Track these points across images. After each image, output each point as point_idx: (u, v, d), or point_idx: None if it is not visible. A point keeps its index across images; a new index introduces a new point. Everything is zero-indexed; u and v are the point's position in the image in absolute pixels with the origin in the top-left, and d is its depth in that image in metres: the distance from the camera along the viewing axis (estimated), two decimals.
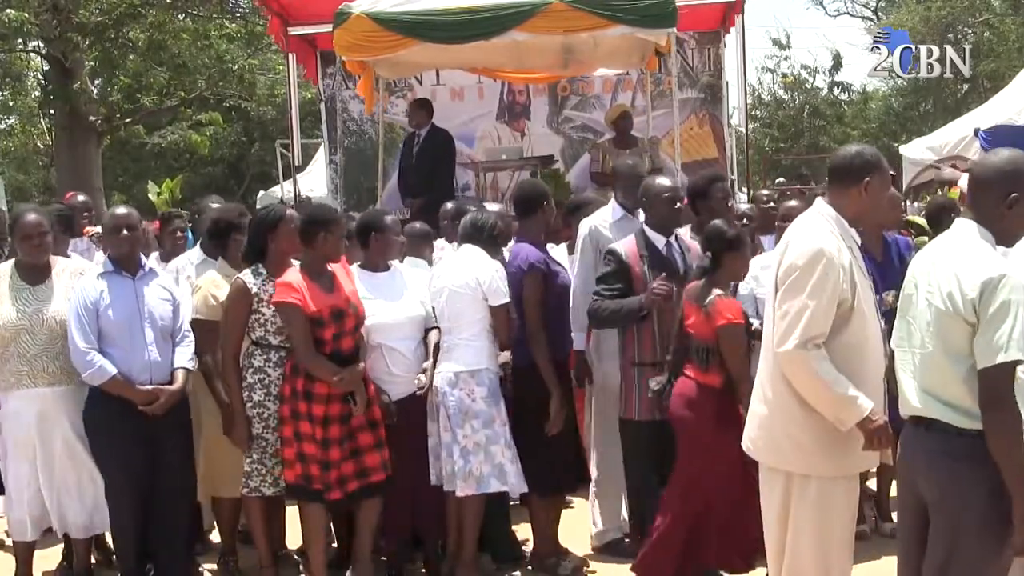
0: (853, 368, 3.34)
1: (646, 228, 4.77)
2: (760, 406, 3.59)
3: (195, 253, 5.64)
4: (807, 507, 3.46)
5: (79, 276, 4.86)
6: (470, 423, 4.63)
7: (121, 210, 4.88)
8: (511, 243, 5.08)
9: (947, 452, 3.03)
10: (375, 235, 4.90)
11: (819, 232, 3.38)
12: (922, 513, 3.15)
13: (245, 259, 4.85)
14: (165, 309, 4.77)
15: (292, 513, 5.02)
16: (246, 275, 4.73)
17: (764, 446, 3.59)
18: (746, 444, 3.69)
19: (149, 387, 4.62)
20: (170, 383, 4.70)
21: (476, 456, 4.61)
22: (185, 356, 4.80)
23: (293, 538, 5.21)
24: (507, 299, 4.66)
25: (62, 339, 4.68)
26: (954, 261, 3.03)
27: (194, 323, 4.89)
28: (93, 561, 5.08)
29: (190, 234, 6.47)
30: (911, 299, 3.16)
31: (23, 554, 4.90)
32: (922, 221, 6.45)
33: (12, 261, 4.89)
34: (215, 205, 5.66)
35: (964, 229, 3.11)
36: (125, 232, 4.71)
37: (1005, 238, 3.12)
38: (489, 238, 4.83)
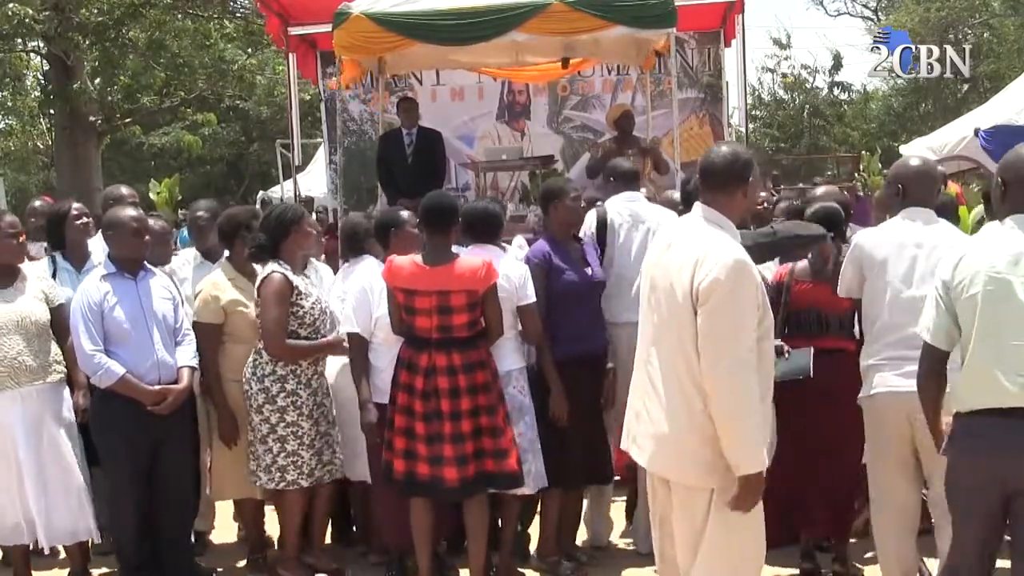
0: (765, 371, 3.33)
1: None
2: (661, 424, 3.36)
3: (192, 254, 5.63)
4: (727, 519, 3.31)
5: (43, 279, 4.90)
6: (523, 420, 4.64)
7: (136, 212, 4.85)
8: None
9: None
10: (395, 231, 4.89)
11: (730, 241, 3.32)
12: (998, 516, 3.17)
13: (253, 257, 4.84)
14: (168, 308, 4.79)
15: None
16: (281, 268, 4.72)
17: (683, 465, 3.35)
18: (650, 465, 3.49)
19: (157, 387, 4.63)
20: (174, 382, 4.70)
21: (529, 453, 4.62)
22: (188, 354, 4.80)
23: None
24: (534, 299, 4.65)
25: (38, 338, 4.70)
26: None
27: (195, 326, 4.90)
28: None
29: (187, 234, 6.45)
30: (1004, 287, 3.12)
31: (20, 558, 4.89)
32: None
33: None
34: (200, 212, 5.61)
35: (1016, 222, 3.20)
36: (146, 237, 4.76)
37: None
38: (496, 229, 4.84)
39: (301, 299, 4.73)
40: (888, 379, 4.02)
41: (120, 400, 4.59)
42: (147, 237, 4.76)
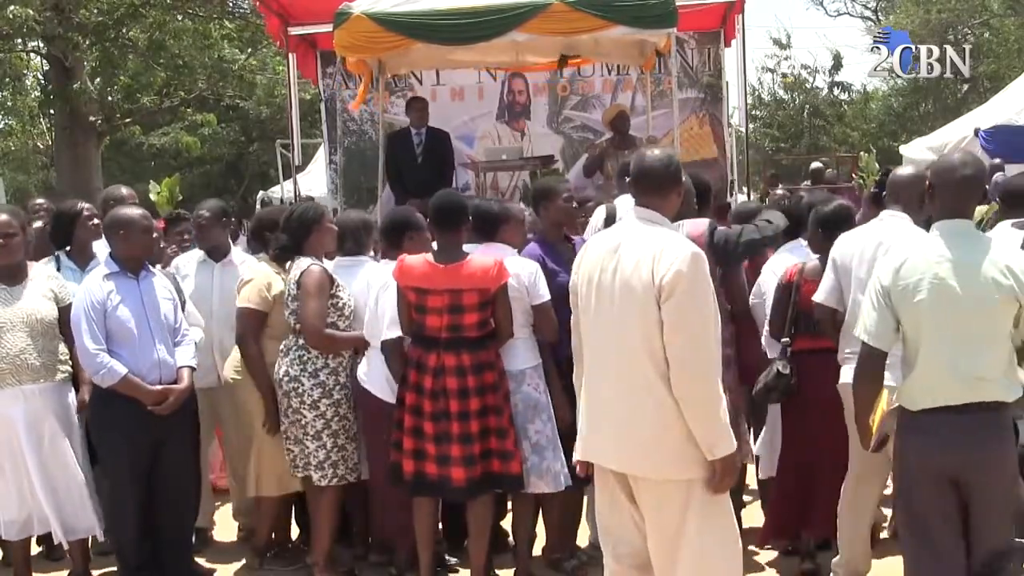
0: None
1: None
2: (629, 422, 3.39)
3: (197, 253, 5.64)
4: (712, 507, 3.38)
5: (54, 278, 4.91)
6: (539, 417, 4.63)
7: (140, 210, 4.87)
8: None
9: (1000, 426, 3.34)
10: (410, 234, 4.90)
11: (681, 237, 3.46)
12: (958, 504, 3.35)
13: (278, 258, 4.87)
14: (168, 308, 4.79)
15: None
16: (319, 262, 4.80)
17: (661, 461, 3.37)
18: (620, 465, 3.48)
19: (159, 387, 4.63)
20: (173, 382, 4.70)
21: (548, 451, 4.61)
22: (188, 355, 4.81)
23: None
24: (548, 297, 4.61)
25: (43, 337, 4.72)
26: (995, 251, 3.36)
27: (244, 312, 4.92)
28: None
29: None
30: (950, 293, 3.31)
31: (19, 553, 4.89)
32: None
33: None
34: (202, 212, 5.62)
35: (960, 226, 3.42)
36: (154, 235, 4.82)
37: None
38: (496, 226, 4.81)
39: (339, 291, 4.80)
40: (848, 373, 4.17)
41: (121, 400, 4.58)
42: (154, 235, 4.81)
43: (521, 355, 4.66)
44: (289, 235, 4.86)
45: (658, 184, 3.49)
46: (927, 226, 4.04)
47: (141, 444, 4.64)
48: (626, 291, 3.37)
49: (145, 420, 4.59)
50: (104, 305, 4.58)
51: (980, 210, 6.44)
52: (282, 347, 4.85)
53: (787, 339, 4.65)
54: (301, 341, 4.77)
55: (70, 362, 4.82)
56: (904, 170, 4.59)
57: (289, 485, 5.01)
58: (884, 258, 3.58)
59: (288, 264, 4.88)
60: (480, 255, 4.56)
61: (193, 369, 4.81)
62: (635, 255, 3.38)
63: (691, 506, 3.36)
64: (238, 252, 5.67)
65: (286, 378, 4.77)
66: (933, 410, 3.34)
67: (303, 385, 4.74)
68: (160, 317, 4.72)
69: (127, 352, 4.59)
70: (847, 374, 4.16)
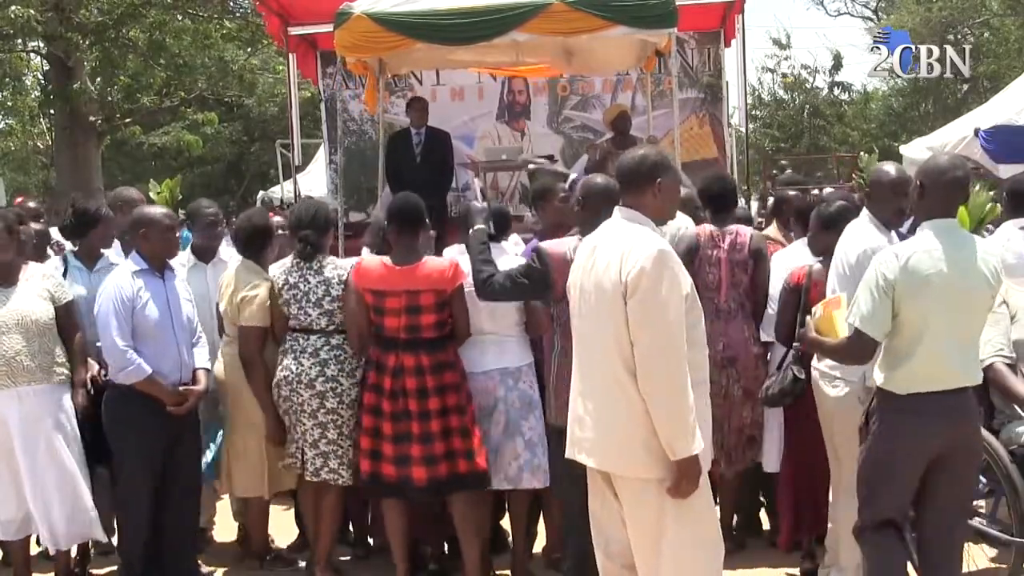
0: (698, 360, 3.41)
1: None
2: (603, 421, 3.42)
3: (186, 256, 5.63)
4: (689, 506, 3.37)
5: (50, 278, 4.88)
6: (533, 414, 4.64)
7: (163, 209, 4.91)
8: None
9: (975, 404, 3.73)
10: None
11: (652, 235, 3.44)
12: (922, 478, 3.65)
13: (307, 258, 4.81)
14: (189, 309, 4.83)
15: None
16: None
17: (633, 459, 3.38)
18: (598, 463, 3.50)
19: (181, 388, 4.66)
20: (189, 382, 4.73)
21: (539, 448, 4.62)
22: (204, 357, 4.83)
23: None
24: None
25: (39, 338, 4.70)
26: (981, 249, 3.62)
27: (251, 331, 4.86)
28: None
29: (188, 234, 6.47)
30: (952, 290, 3.52)
31: (19, 553, 4.88)
32: None
33: None
34: (212, 209, 5.63)
35: (949, 224, 3.61)
36: (177, 234, 4.87)
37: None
38: (496, 228, 4.80)
39: None
40: (815, 363, 4.32)
41: (139, 398, 4.60)
42: (177, 234, 4.87)
43: (516, 352, 4.67)
44: (317, 234, 4.83)
45: (634, 183, 3.52)
46: (889, 225, 4.14)
47: (156, 443, 4.65)
48: (599, 291, 3.43)
49: (161, 419, 4.61)
50: (133, 302, 4.59)
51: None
52: (303, 347, 4.78)
53: (797, 343, 4.63)
54: (335, 341, 4.75)
55: (67, 365, 4.80)
56: (886, 166, 4.54)
57: (277, 486, 5.00)
58: (883, 254, 3.64)
59: (299, 263, 4.84)
60: (435, 256, 4.59)
61: (208, 371, 4.83)
62: (607, 254, 3.43)
63: (667, 504, 3.36)
64: (226, 250, 5.62)
65: (321, 378, 4.72)
66: (925, 393, 3.55)
67: (342, 385, 4.72)
68: (183, 317, 4.75)
69: (151, 350, 4.61)
70: (828, 390, 4.25)
